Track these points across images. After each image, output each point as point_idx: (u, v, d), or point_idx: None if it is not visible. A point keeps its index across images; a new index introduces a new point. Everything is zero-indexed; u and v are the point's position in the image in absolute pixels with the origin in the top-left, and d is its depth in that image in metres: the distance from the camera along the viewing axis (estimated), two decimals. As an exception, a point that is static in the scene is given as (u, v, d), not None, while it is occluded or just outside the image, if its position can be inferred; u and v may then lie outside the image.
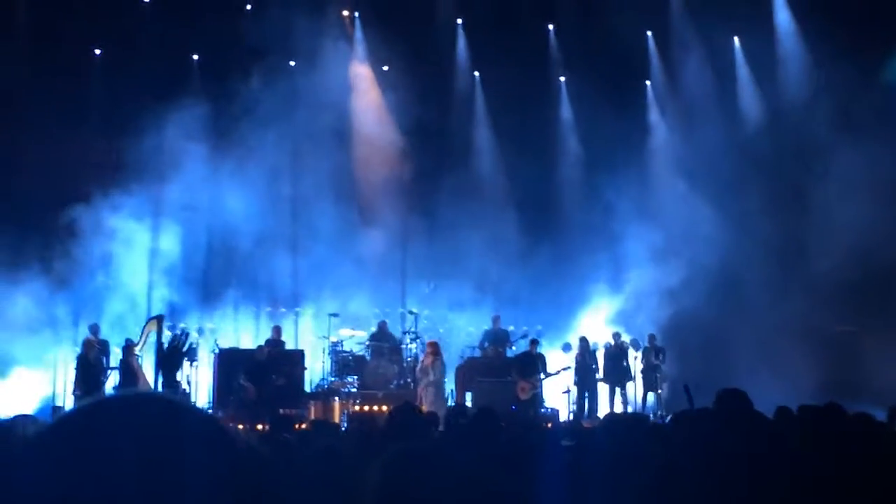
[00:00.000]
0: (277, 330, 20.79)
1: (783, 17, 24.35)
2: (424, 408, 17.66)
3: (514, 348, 21.52)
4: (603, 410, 20.41)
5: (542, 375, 19.99)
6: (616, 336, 21.65)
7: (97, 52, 23.19)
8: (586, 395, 20.88)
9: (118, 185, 21.43)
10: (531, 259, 23.91)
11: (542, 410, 19.60)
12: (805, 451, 5.27)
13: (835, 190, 21.57)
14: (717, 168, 23.10)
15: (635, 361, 21.42)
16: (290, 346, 21.34)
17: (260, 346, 19.55)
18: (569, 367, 20.50)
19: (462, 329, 23.34)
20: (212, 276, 23.00)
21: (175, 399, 1.29)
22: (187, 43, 23.32)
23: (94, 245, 21.43)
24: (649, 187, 24.43)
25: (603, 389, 21.34)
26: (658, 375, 21.28)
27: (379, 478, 2.22)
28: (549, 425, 9.96)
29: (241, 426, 16.07)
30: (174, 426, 1.22)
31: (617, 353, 21.41)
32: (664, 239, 23.11)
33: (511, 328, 22.28)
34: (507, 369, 20.15)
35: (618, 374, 21.35)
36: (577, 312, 23.67)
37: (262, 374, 18.56)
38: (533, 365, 19.97)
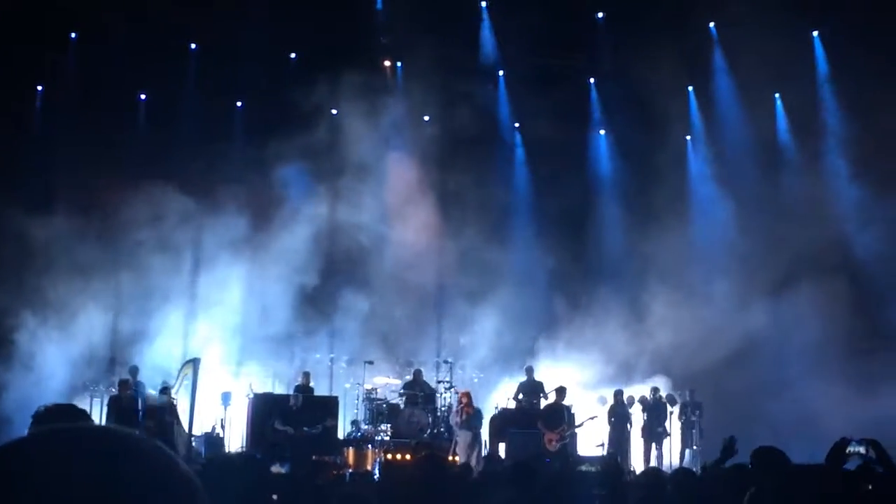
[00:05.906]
0: (306, 376, 20.73)
1: (824, 70, 24.13)
2: (457, 458, 17.52)
3: (547, 399, 21.26)
4: (637, 465, 20.04)
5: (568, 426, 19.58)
6: (654, 391, 21.32)
7: (142, 96, 23.57)
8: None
9: (164, 229, 21.74)
10: (570, 312, 23.94)
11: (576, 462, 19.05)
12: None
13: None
14: (758, 220, 23.10)
15: (671, 416, 21.11)
16: (324, 392, 21.34)
17: (296, 394, 19.48)
18: (595, 417, 19.85)
19: (496, 380, 23.24)
20: (250, 322, 23.06)
21: (121, 431, 1.23)
22: (231, 90, 23.65)
23: (149, 283, 21.86)
24: (688, 238, 24.25)
25: (637, 443, 21.00)
26: (695, 431, 21.00)
27: None
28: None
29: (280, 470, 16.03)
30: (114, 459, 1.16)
31: (655, 408, 21.09)
32: (692, 292, 23.17)
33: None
34: (536, 420, 19.86)
35: (655, 430, 21.02)
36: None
37: (296, 420, 18.52)
38: (559, 416, 19.44)
